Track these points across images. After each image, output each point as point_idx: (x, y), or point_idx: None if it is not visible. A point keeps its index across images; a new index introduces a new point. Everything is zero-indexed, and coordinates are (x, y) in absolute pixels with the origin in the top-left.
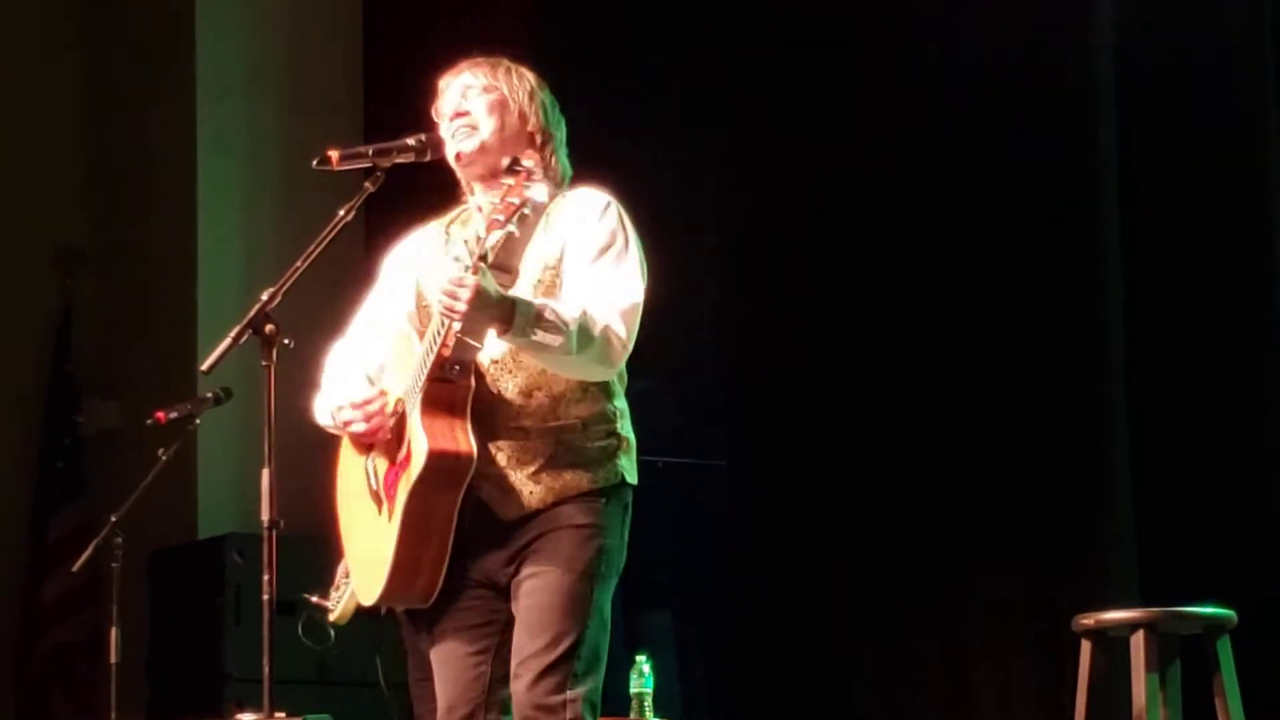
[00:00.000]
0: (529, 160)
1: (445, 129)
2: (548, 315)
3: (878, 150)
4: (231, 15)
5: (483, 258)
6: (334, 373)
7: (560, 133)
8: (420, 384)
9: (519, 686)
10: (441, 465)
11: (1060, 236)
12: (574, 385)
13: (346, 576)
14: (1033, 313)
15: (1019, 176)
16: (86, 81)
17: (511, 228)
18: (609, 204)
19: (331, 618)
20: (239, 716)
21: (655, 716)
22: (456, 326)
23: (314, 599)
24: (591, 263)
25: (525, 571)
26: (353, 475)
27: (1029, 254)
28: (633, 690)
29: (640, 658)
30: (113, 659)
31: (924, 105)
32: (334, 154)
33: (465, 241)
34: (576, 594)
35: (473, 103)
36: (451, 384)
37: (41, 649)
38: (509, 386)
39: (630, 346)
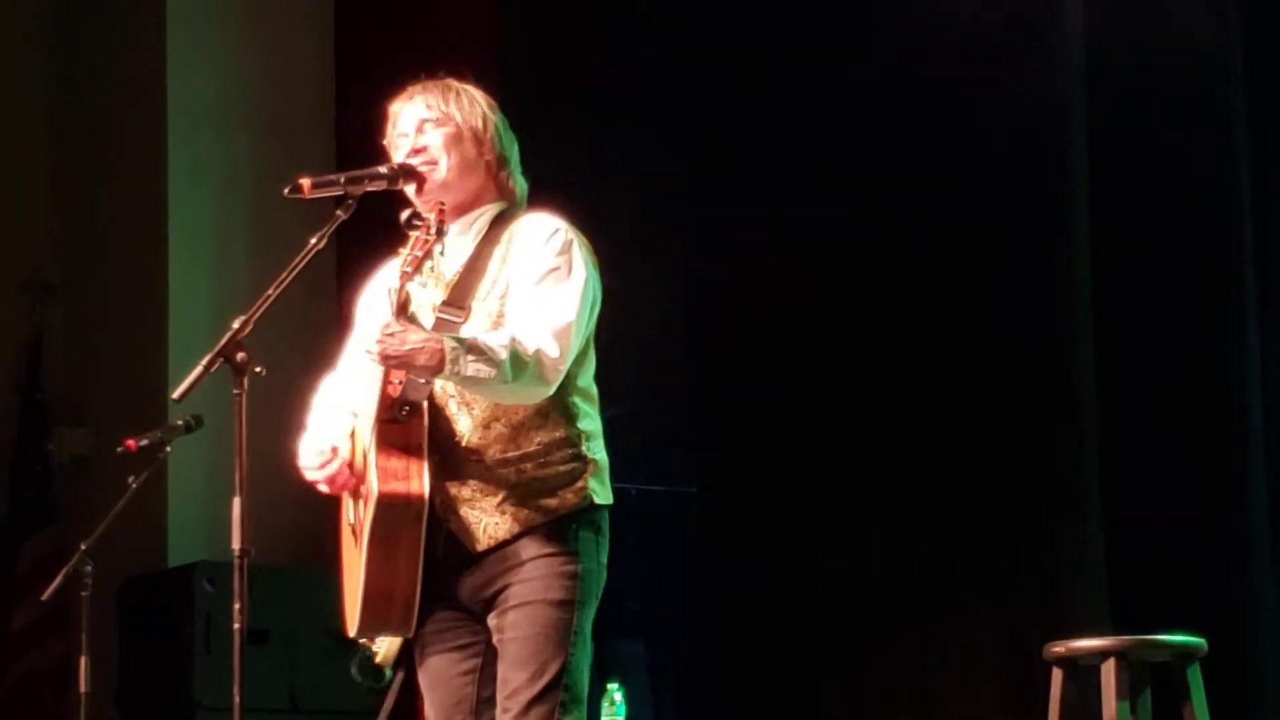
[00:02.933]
0: (432, 213)
1: (399, 155)
2: (479, 348)
3: (845, 184)
4: (203, 44)
5: (402, 308)
6: (317, 417)
7: (514, 153)
8: (372, 426)
9: (507, 716)
10: (393, 507)
11: (1031, 273)
12: (532, 412)
13: None
14: (1002, 345)
15: (986, 209)
16: (57, 108)
17: (420, 279)
18: (557, 230)
19: (378, 659)
20: None
21: None
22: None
23: (362, 640)
24: (533, 287)
25: (504, 604)
26: (344, 509)
27: (998, 288)
28: (605, 717)
29: (612, 686)
30: (82, 688)
31: (892, 141)
32: (306, 182)
33: (388, 291)
34: (556, 623)
35: (430, 137)
36: (404, 424)
37: (10, 678)
38: (466, 420)
39: (566, 364)
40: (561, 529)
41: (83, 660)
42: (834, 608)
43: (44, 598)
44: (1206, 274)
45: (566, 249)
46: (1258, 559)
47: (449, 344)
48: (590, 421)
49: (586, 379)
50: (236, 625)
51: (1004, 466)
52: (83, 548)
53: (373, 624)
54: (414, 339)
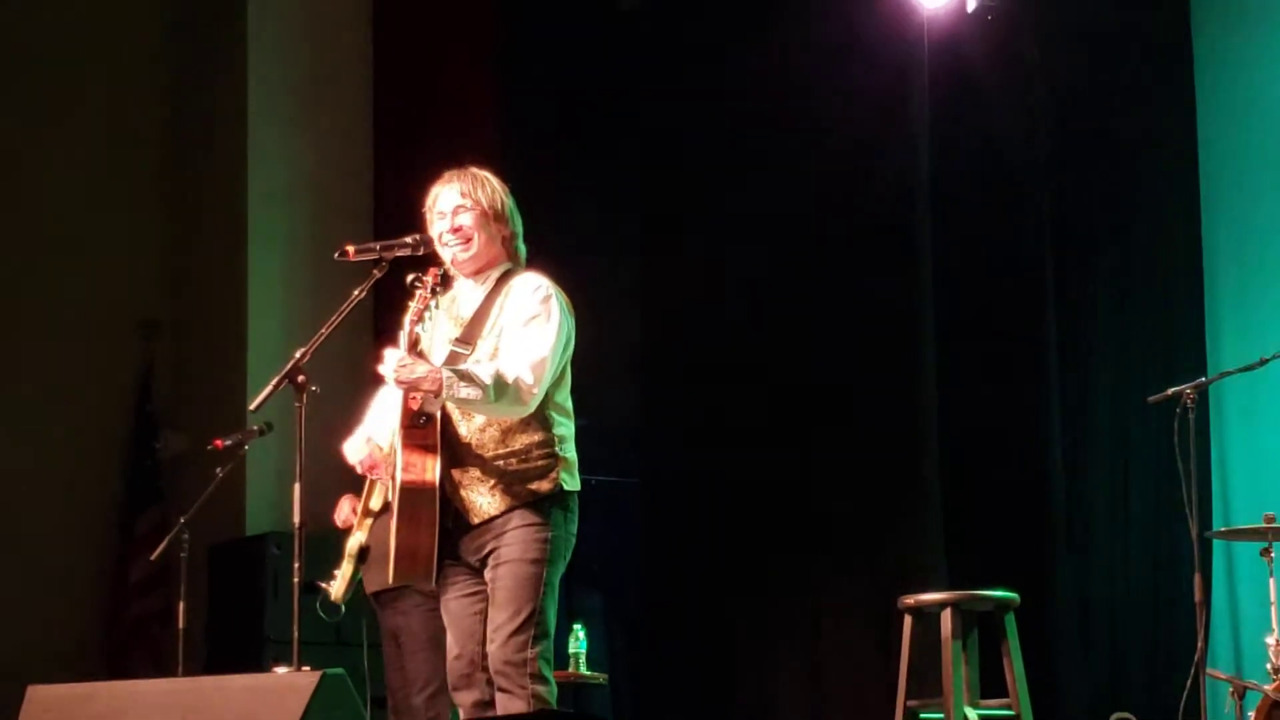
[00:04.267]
0: (430, 276)
1: (436, 227)
2: (469, 376)
3: (758, 249)
4: (274, 141)
5: (412, 346)
6: (368, 419)
7: (519, 227)
8: (398, 429)
9: (493, 648)
10: (412, 491)
11: (890, 315)
12: (518, 420)
13: (338, 567)
14: (871, 382)
15: (861, 266)
16: (167, 190)
17: (420, 328)
18: (540, 286)
19: (334, 597)
20: (276, 669)
21: (588, 669)
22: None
23: (322, 584)
24: (519, 329)
25: (494, 562)
26: (371, 495)
27: (870, 328)
28: (571, 650)
29: (577, 626)
30: (180, 625)
31: (793, 216)
32: (350, 248)
33: (401, 334)
34: (531, 576)
35: (464, 218)
36: (421, 429)
37: (129, 618)
38: (468, 426)
39: (540, 388)
40: (538, 507)
41: (181, 605)
42: (740, 571)
43: (153, 558)
44: (1020, 322)
45: (546, 300)
46: (1056, 539)
47: (446, 373)
48: (564, 429)
49: (563, 396)
50: (296, 579)
51: (874, 471)
52: (182, 521)
53: (404, 576)
54: (421, 369)
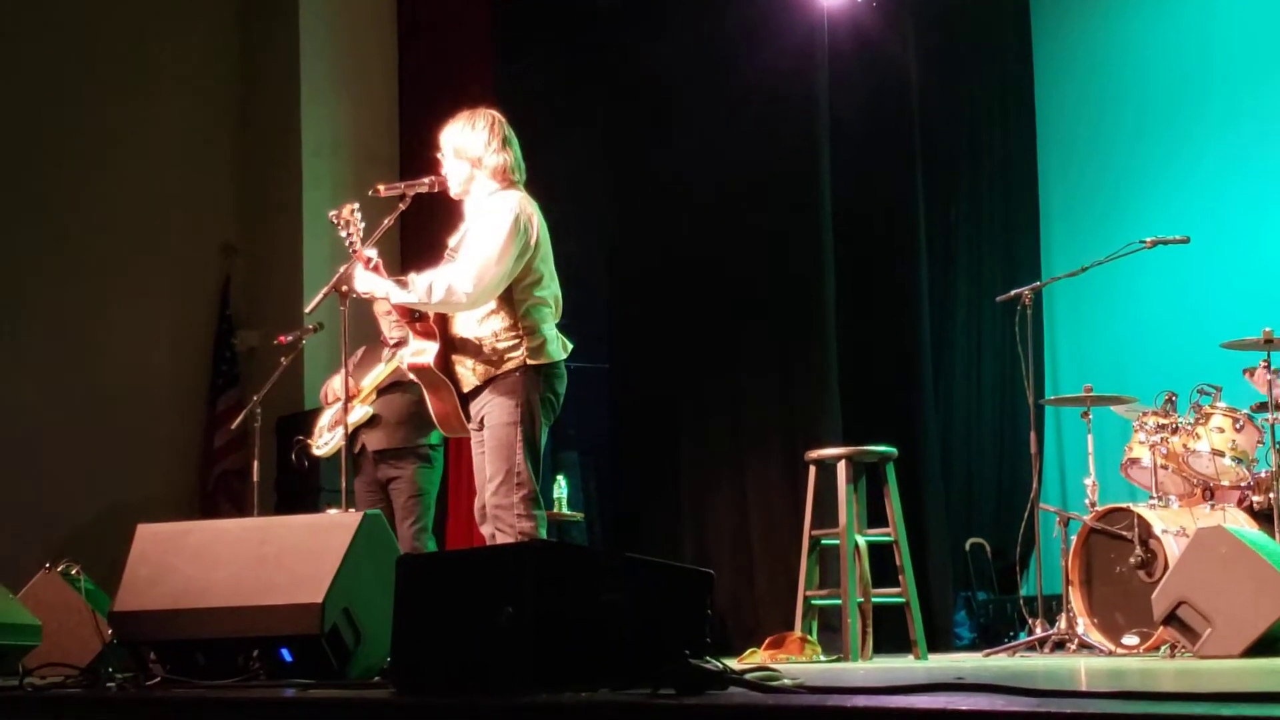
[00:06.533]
0: (345, 211)
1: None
2: (405, 283)
3: (694, 191)
4: (322, 105)
5: (367, 263)
6: None
7: (501, 158)
8: (405, 324)
9: (487, 498)
10: (420, 371)
11: (800, 236)
12: (489, 311)
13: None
14: (785, 288)
15: (771, 218)
16: (238, 144)
17: (366, 251)
18: (503, 206)
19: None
20: (328, 510)
21: (569, 509)
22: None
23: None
24: (471, 239)
25: (485, 426)
26: None
27: (784, 248)
28: (555, 496)
29: (560, 477)
30: (255, 479)
31: (724, 170)
32: (380, 187)
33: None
34: (508, 438)
35: (445, 160)
36: (420, 321)
37: (213, 475)
38: (456, 317)
39: (479, 287)
40: (508, 379)
41: (255, 464)
42: (688, 435)
43: (233, 427)
44: (899, 239)
45: (501, 218)
46: (926, 406)
47: (392, 284)
48: (531, 317)
49: (531, 288)
50: (343, 442)
51: (787, 362)
52: (255, 399)
53: (451, 430)
54: (369, 282)
